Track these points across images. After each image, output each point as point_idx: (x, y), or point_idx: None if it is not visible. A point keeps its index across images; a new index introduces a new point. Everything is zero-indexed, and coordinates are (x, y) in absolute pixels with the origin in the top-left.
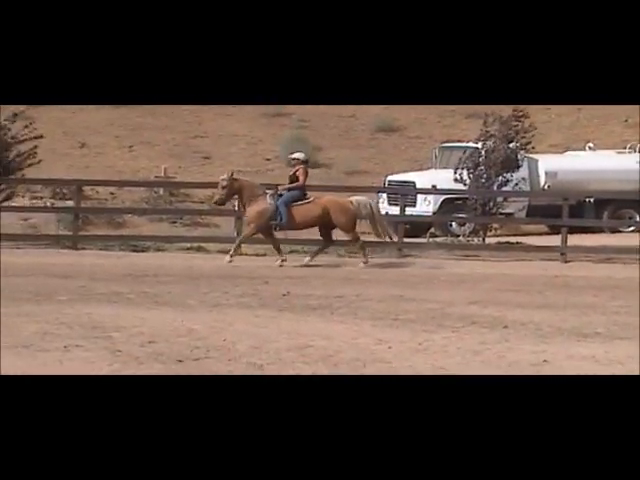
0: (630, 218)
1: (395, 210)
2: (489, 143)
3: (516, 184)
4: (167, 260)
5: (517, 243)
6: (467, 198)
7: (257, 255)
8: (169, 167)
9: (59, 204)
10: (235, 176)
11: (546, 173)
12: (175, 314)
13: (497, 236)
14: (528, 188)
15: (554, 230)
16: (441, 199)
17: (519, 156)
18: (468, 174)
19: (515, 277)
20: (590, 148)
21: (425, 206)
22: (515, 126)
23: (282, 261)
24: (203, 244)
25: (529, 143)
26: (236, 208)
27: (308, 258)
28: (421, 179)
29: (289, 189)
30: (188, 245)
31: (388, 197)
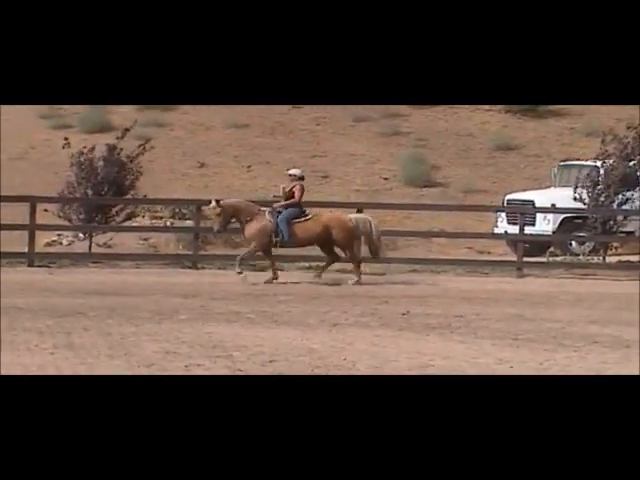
0: None
1: (514, 229)
2: (608, 161)
3: (636, 202)
4: (288, 279)
5: (638, 262)
6: (587, 217)
7: (375, 274)
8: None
9: (179, 224)
10: (222, 202)
11: None
12: (295, 333)
13: (617, 255)
14: None
15: None
16: (561, 218)
17: (639, 174)
18: (587, 193)
19: (636, 296)
20: None
21: (544, 225)
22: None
23: (274, 279)
24: (321, 263)
25: None
26: None
27: (315, 274)
28: (540, 198)
29: (285, 206)
30: (307, 264)
31: (507, 216)
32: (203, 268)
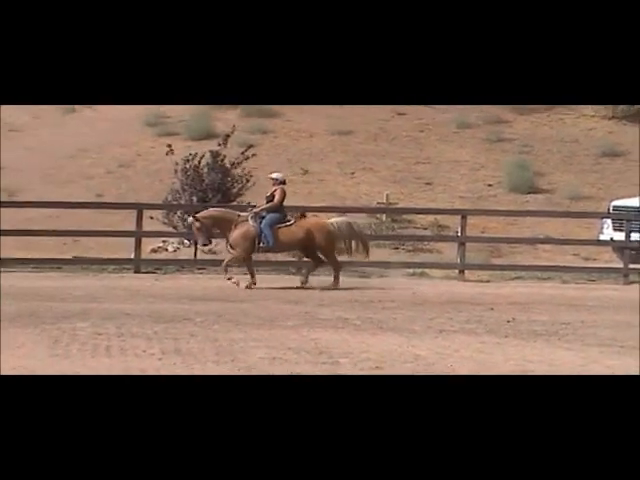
0: None
1: (620, 236)
2: None
3: None
4: (391, 286)
5: None
6: None
7: (480, 281)
8: (391, 193)
9: None
10: (199, 215)
11: None
12: (401, 340)
13: None
14: None
15: None
16: None
17: None
18: None
19: None
20: None
21: None
22: None
23: (252, 284)
24: (426, 270)
25: None
26: (458, 234)
27: (303, 279)
28: None
29: (266, 209)
30: (411, 271)
31: (613, 223)
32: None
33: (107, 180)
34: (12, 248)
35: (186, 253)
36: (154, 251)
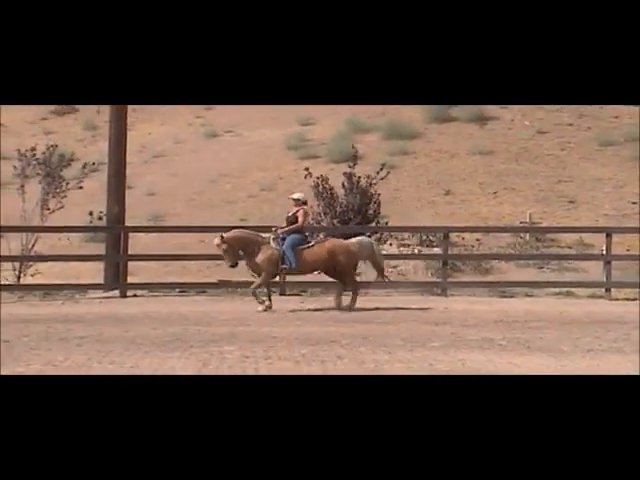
0: None
1: None
2: None
3: None
4: (537, 306)
5: None
6: None
7: (627, 299)
8: (534, 212)
9: (426, 251)
10: (225, 236)
11: None
12: (548, 360)
13: None
14: None
15: None
16: None
17: None
18: None
19: None
20: None
21: None
22: None
23: (268, 307)
24: (572, 289)
25: None
26: (604, 252)
27: (336, 303)
28: None
29: (289, 231)
30: (557, 290)
31: None
32: (452, 295)
33: (250, 204)
34: (162, 273)
35: None
36: None
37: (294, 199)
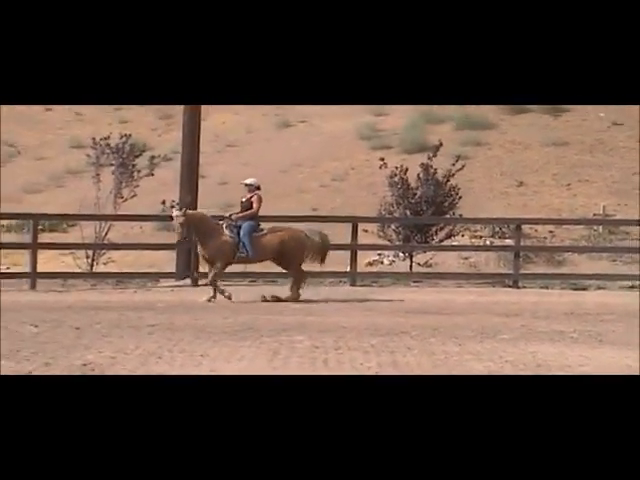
0: None
1: None
2: None
3: None
4: (609, 298)
5: None
6: None
7: None
8: (608, 204)
9: (498, 243)
10: (189, 212)
11: None
12: (620, 353)
13: None
14: None
15: None
16: None
17: None
18: None
19: None
20: None
21: None
22: None
23: (213, 298)
24: None
25: None
26: None
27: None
28: None
29: (244, 217)
30: (630, 283)
31: None
32: (524, 287)
33: (321, 194)
34: None
35: (401, 266)
36: (370, 264)
37: (247, 184)
